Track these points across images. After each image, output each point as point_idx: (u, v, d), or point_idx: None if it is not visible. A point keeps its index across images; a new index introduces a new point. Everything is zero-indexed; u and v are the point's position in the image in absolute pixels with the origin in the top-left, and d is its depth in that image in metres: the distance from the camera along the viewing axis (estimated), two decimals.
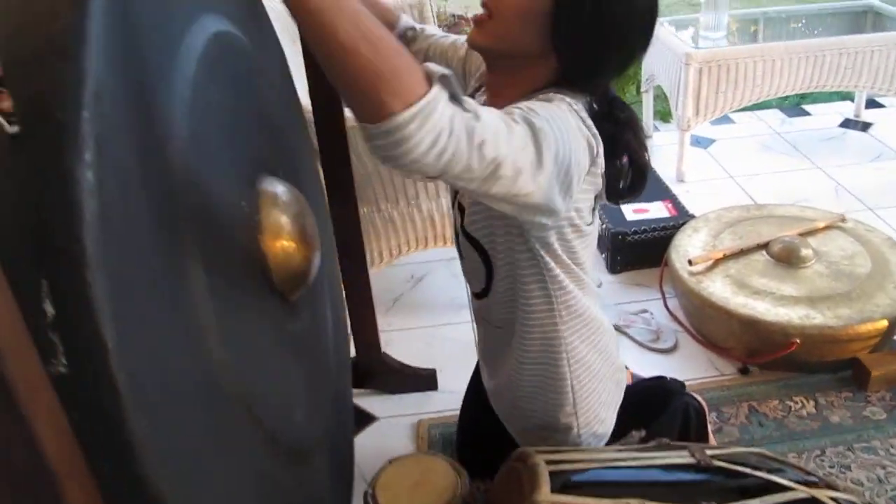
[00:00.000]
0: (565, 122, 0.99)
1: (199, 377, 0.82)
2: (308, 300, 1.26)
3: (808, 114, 3.56)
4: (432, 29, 1.42)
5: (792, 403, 1.88)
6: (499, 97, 1.13)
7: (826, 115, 3.53)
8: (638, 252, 2.42)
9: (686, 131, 2.93)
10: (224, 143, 1.02)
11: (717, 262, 2.13)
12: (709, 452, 1.18)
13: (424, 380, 2.01)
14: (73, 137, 0.62)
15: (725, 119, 3.46)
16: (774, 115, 3.55)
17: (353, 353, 2.05)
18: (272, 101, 1.36)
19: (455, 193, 1.29)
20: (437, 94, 0.79)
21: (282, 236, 1.08)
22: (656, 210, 2.50)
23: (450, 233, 2.11)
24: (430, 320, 2.31)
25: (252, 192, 1.08)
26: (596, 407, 1.33)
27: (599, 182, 1.13)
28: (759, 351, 1.95)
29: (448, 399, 1.95)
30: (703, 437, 1.55)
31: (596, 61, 1.08)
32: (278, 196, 1.12)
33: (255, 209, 1.06)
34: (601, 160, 1.09)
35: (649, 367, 2.03)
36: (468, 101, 0.85)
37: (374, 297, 1.90)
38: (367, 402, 2.01)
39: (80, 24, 0.67)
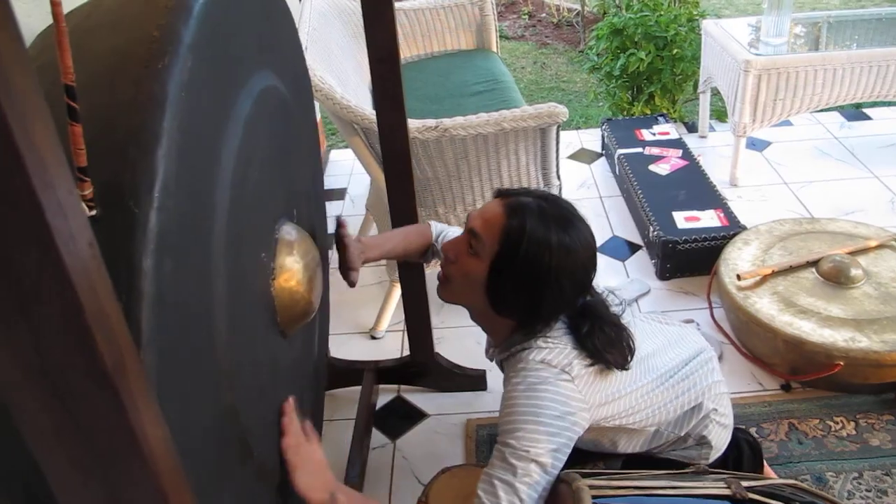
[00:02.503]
0: (554, 406, 1.22)
1: (211, 425, 0.91)
2: (302, 331, 1.33)
3: (868, 118, 3.51)
4: (450, 233, 1.60)
5: (832, 423, 1.92)
6: (491, 334, 1.41)
7: (887, 121, 3.47)
8: (688, 260, 2.46)
9: (741, 137, 2.93)
10: (256, 203, 1.09)
11: (765, 278, 2.16)
12: (745, 484, 1.24)
13: (474, 380, 2.10)
14: (143, 228, 0.71)
15: (783, 121, 3.44)
16: (834, 117, 3.51)
17: (406, 352, 2.16)
18: (298, 143, 1.43)
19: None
20: None
21: (291, 282, 1.17)
22: (708, 219, 2.53)
23: None
24: None
25: (272, 240, 1.16)
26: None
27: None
28: (803, 369, 2.00)
29: (497, 400, 2.02)
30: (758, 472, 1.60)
31: (532, 315, 1.27)
32: (294, 244, 1.20)
33: (271, 257, 1.14)
34: (589, 367, 1.26)
35: None
36: None
37: (429, 293, 1.97)
38: (418, 398, 2.11)
39: (157, 120, 0.75)
